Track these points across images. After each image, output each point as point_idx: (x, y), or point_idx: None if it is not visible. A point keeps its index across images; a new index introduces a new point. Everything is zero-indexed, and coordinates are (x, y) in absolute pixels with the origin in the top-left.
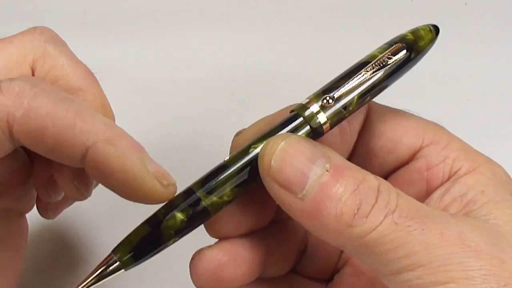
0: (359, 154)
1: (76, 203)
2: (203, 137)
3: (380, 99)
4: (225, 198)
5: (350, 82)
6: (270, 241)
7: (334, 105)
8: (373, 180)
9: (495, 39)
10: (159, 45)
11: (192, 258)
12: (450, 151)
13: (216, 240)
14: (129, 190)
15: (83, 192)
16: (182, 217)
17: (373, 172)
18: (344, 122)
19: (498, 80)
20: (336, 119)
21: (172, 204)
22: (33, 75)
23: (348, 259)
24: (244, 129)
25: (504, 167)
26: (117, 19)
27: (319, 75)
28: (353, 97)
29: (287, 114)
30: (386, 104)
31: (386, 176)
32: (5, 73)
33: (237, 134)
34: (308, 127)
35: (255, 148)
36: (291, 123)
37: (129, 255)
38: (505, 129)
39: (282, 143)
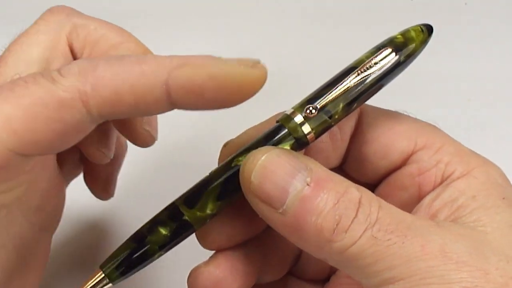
0: (352, 159)
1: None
2: (203, 137)
3: (379, 99)
4: (208, 212)
5: (335, 90)
6: (265, 248)
7: (317, 115)
8: (354, 193)
9: (495, 39)
10: (157, 46)
11: (189, 277)
12: (443, 155)
13: (211, 251)
14: (227, 91)
15: (106, 153)
16: (165, 232)
17: (366, 176)
18: (334, 128)
19: (498, 80)
20: (322, 129)
21: (155, 220)
22: (71, 50)
23: None
24: (231, 140)
25: (504, 167)
26: (118, 19)
27: (318, 75)
28: (338, 105)
29: (273, 124)
30: (386, 105)
31: (379, 181)
32: (47, 62)
33: (225, 145)
34: (292, 138)
35: (238, 161)
36: (275, 134)
37: (116, 270)
38: (505, 129)
39: (262, 158)
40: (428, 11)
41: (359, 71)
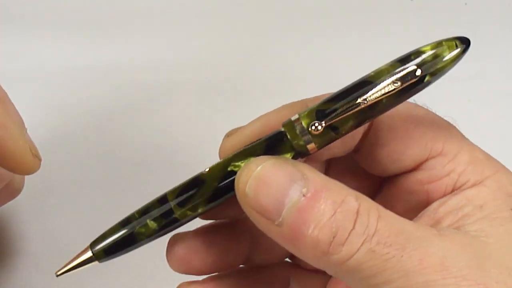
0: (363, 154)
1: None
2: (203, 137)
3: None
4: (199, 211)
5: (346, 106)
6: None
7: (323, 131)
8: (352, 202)
9: (495, 39)
10: (156, 46)
11: None
12: (457, 164)
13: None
14: (5, 152)
15: None
16: (154, 226)
17: (375, 171)
18: None
19: (498, 80)
20: (326, 142)
21: (147, 210)
22: None
23: None
24: (237, 129)
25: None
26: (115, 19)
27: (318, 75)
28: (348, 123)
29: (285, 115)
30: None
31: (378, 184)
32: None
33: (227, 135)
34: (293, 149)
35: (235, 167)
36: (276, 142)
37: (103, 252)
38: (505, 129)
39: (257, 169)
40: (428, 11)
41: (376, 86)
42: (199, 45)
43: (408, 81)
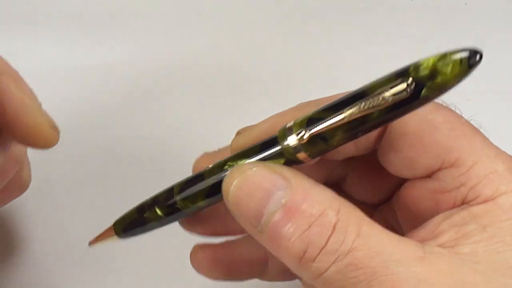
0: (380, 155)
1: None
2: (203, 137)
3: None
4: (199, 204)
5: (335, 117)
6: None
7: (310, 140)
8: (330, 216)
9: (495, 39)
10: (156, 46)
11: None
12: (470, 177)
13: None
14: (23, 126)
15: None
16: (160, 213)
17: (386, 175)
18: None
19: (498, 80)
20: (317, 152)
21: (155, 200)
22: None
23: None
24: (247, 128)
25: None
26: (115, 19)
27: (318, 75)
28: (337, 134)
29: (299, 111)
30: None
31: (398, 183)
32: None
33: (238, 133)
34: (284, 157)
35: (230, 166)
36: (270, 147)
37: (122, 231)
38: (506, 129)
39: (238, 179)
40: (428, 11)
41: (367, 102)
42: (199, 45)
43: (402, 98)
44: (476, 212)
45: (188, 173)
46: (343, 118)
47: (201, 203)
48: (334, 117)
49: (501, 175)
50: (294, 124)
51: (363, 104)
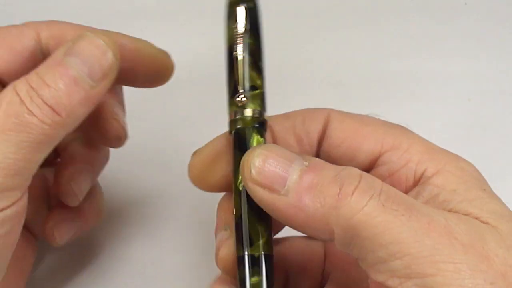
0: (324, 158)
1: None
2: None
3: (381, 97)
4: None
5: (238, 70)
6: None
7: (248, 95)
8: (354, 169)
9: (495, 39)
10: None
11: None
12: (412, 154)
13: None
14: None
15: (77, 194)
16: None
17: None
18: (301, 133)
19: (498, 80)
20: (260, 101)
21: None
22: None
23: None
24: (199, 149)
25: (504, 167)
26: (115, 19)
27: (317, 75)
28: (251, 76)
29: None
30: (387, 104)
31: None
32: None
33: (194, 154)
34: (253, 128)
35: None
36: (242, 139)
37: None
38: (505, 129)
39: (259, 149)
40: (428, 11)
41: (237, 42)
42: (200, 45)
43: (244, 22)
44: (437, 183)
45: (186, 172)
46: (242, 62)
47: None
48: (238, 68)
49: (437, 151)
50: (231, 111)
51: (237, 42)
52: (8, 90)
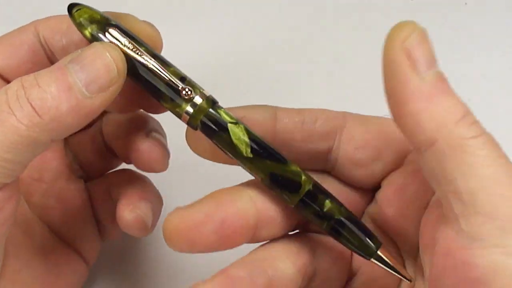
0: (341, 163)
1: None
2: None
3: (382, 100)
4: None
5: (162, 75)
6: None
7: (187, 86)
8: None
9: (495, 39)
10: None
11: None
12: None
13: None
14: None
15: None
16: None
17: (360, 180)
18: (309, 131)
19: (498, 80)
20: (196, 86)
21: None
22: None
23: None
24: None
25: None
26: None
27: (318, 75)
28: (172, 71)
29: None
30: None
31: (376, 183)
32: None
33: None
34: (214, 107)
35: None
36: (214, 121)
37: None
38: (505, 129)
39: (419, 29)
40: (428, 11)
41: (139, 53)
42: (200, 45)
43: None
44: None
45: (187, 173)
46: (157, 64)
47: None
48: (162, 71)
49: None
50: (182, 111)
51: (139, 53)
52: (3, 87)
